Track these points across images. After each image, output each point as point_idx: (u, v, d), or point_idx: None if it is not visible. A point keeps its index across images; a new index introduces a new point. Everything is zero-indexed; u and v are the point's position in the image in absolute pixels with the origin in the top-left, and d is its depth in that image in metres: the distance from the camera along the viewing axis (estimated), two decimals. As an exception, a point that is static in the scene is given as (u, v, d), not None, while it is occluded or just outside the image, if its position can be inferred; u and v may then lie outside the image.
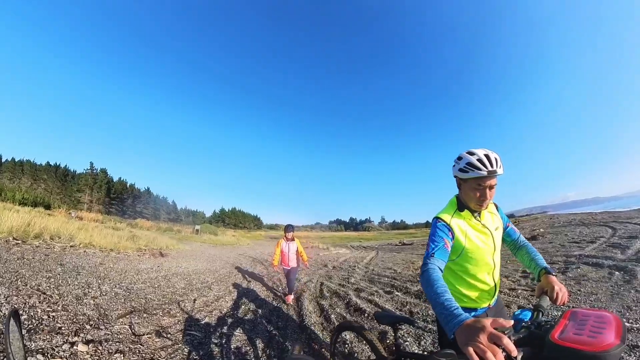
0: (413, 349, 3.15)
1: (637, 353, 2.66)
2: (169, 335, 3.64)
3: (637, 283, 4.59)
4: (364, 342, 3.09)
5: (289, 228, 6.06)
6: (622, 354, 0.88)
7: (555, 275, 1.36)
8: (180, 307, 4.86)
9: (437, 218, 1.51)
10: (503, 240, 1.68)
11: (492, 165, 1.39)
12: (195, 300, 5.44)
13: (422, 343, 3.31)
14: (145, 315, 4.21)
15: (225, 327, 4.21)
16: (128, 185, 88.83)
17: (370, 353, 3.02)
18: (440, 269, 1.31)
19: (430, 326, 3.71)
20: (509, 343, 0.77)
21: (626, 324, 3.21)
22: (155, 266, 8.46)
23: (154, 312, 4.43)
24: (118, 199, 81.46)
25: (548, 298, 1.23)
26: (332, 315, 4.71)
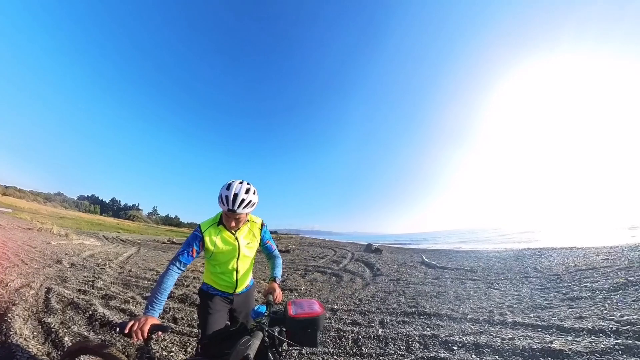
0: (180, 358, 3.03)
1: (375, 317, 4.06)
2: None
3: (342, 283, 7.51)
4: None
5: None
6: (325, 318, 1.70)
7: (278, 283, 2.07)
8: None
9: (198, 227, 1.98)
10: (262, 251, 2.28)
11: (233, 206, 1.79)
12: None
13: (190, 350, 3.24)
14: None
15: None
16: None
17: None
18: (178, 272, 1.85)
19: (196, 330, 3.68)
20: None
21: (326, 306, 4.87)
22: None
23: None
24: None
25: (271, 296, 1.94)
26: (66, 338, 3.32)
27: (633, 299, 4.44)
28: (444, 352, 3.22)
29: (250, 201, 1.85)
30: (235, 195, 1.80)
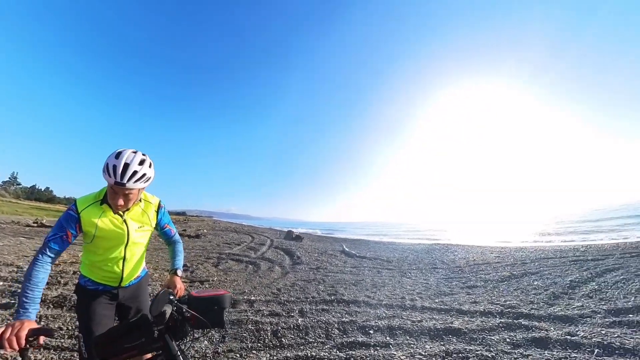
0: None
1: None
2: None
3: (260, 272, 7.48)
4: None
5: None
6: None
7: (180, 276, 2.00)
8: None
9: (74, 204, 1.69)
10: (160, 236, 2.09)
11: (122, 178, 1.55)
12: None
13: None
14: None
15: None
16: None
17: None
18: (49, 262, 1.58)
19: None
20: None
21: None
22: None
23: None
24: None
25: (172, 292, 1.95)
26: None
27: (514, 288, 5.68)
28: (361, 337, 3.57)
29: (144, 174, 1.62)
30: (127, 165, 1.56)
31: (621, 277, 5.56)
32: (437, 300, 5.05)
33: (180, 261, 2.06)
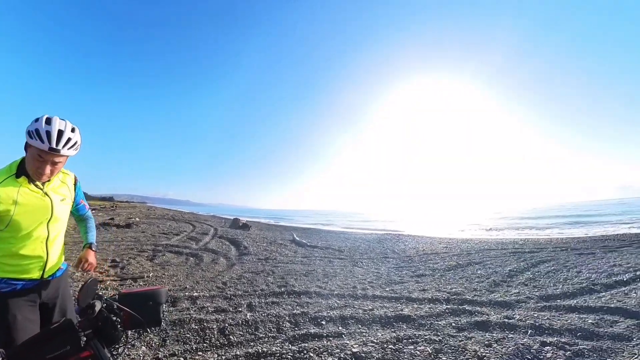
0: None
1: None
2: None
3: (203, 265, 7.19)
4: None
5: None
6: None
7: (94, 250, 2.02)
8: None
9: None
10: (72, 213, 2.00)
11: (57, 144, 1.55)
12: None
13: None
14: None
15: None
16: None
17: None
18: None
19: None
20: None
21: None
22: None
23: None
24: None
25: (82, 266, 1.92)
26: None
27: (460, 276, 6.27)
28: (313, 328, 3.66)
29: (76, 142, 1.66)
30: (60, 132, 1.57)
31: (552, 268, 6.51)
32: (387, 289, 5.35)
33: (93, 236, 2.09)
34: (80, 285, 1.39)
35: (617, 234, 12.25)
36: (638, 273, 5.55)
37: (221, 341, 3.36)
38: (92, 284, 1.38)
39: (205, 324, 3.70)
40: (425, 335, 3.41)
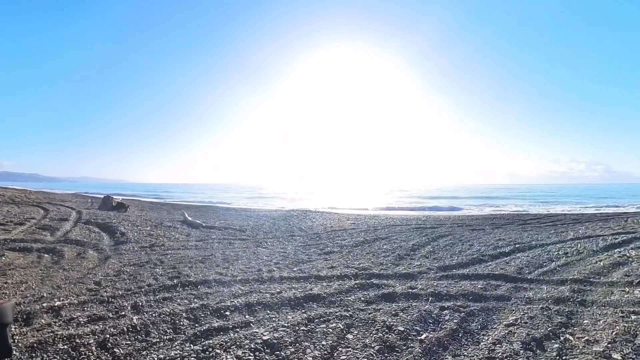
0: None
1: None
2: None
3: (64, 262, 6.16)
4: None
5: None
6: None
7: None
8: None
9: None
10: None
11: None
12: None
13: None
14: None
15: None
16: None
17: None
18: None
19: None
20: None
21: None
22: None
23: None
24: None
25: None
26: None
27: (367, 252, 7.01)
28: (217, 321, 3.57)
29: None
30: None
31: (449, 242, 7.91)
32: (295, 269, 5.59)
33: None
34: None
35: (503, 214, 15.44)
36: (517, 246, 7.20)
37: (104, 357, 2.92)
38: None
39: (78, 341, 3.12)
40: (336, 312, 3.70)
